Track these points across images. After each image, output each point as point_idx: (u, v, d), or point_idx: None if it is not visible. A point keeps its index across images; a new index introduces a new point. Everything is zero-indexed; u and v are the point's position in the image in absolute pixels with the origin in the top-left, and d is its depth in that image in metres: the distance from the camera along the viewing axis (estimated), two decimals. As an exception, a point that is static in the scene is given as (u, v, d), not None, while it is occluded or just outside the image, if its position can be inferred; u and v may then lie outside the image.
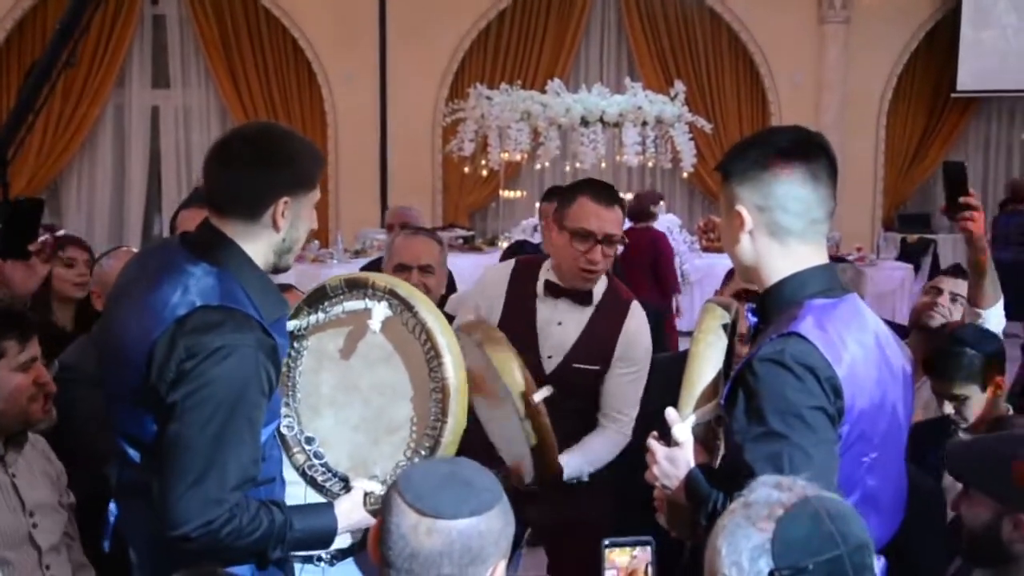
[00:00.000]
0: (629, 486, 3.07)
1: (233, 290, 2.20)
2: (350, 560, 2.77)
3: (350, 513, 2.40)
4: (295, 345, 2.51)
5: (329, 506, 2.40)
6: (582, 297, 3.32)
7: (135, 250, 3.49)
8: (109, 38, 11.25)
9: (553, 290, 3.33)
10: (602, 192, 3.32)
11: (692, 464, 2.20)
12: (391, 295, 2.42)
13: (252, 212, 2.26)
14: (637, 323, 3.36)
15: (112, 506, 2.39)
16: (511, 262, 3.56)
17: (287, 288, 3.59)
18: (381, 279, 2.47)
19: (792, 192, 2.15)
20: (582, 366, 3.25)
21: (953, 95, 12.42)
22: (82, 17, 3.24)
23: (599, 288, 3.36)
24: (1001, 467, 2.31)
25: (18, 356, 2.70)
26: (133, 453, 2.25)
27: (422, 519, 1.71)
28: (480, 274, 3.75)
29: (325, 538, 2.37)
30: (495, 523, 1.74)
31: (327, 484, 2.52)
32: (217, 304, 2.16)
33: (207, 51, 11.51)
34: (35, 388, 2.73)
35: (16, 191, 10.03)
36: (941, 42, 12.41)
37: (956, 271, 3.77)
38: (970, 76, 12.14)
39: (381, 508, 1.79)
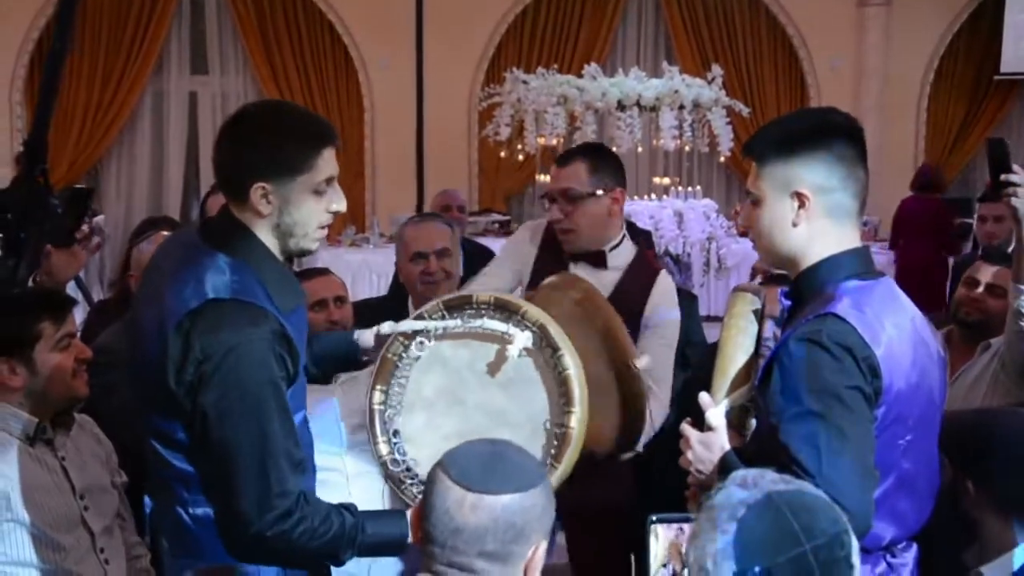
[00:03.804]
0: (651, 468, 3.07)
1: (247, 282, 2.16)
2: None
3: None
4: (418, 340, 2.49)
5: (401, 514, 2.32)
6: (594, 259, 3.37)
7: (165, 234, 3.50)
8: (148, 24, 11.31)
9: (572, 255, 3.40)
10: (560, 157, 3.48)
11: (727, 448, 2.20)
12: (540, 330, 2.42)
13: (237, 197, 2.21)
14: (664, 292, 3.38)
15: (147, 499, 2.40)
16: (542, 224, 3.55)
17: (323, 272, 3.61)
18: (534, 311, 2.46)
19: (854, 172, 2.16)
20: None
21: (996, 78, 12.23)
22: (71, 7, 3.26)
23: (625, 255, 3.40)
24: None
25: (55, 336, 2.73)
26: (162, 449, 2.23)
27: (468, 494, 1.73)
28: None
29: (396, 545, 2.29)
30: (538, 501, 1.77)
31: (407, 482, 2.49)
32: (228, 297, 2.13)
33: (245, 37, 11.55)
34: (76, 364, 2.76)
35: (56, 177, 10.15)
36: (984, 24, 12.21)
37: (995, 256, 3.63)
38: (1014, 58, 11.92)
39: (425, 486, 1.80)
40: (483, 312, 2.45)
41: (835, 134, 2.17)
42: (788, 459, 1.99)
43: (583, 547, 3.46)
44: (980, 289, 3.52)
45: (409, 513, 2.27)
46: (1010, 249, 3.47)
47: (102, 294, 8.93)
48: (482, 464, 1.77)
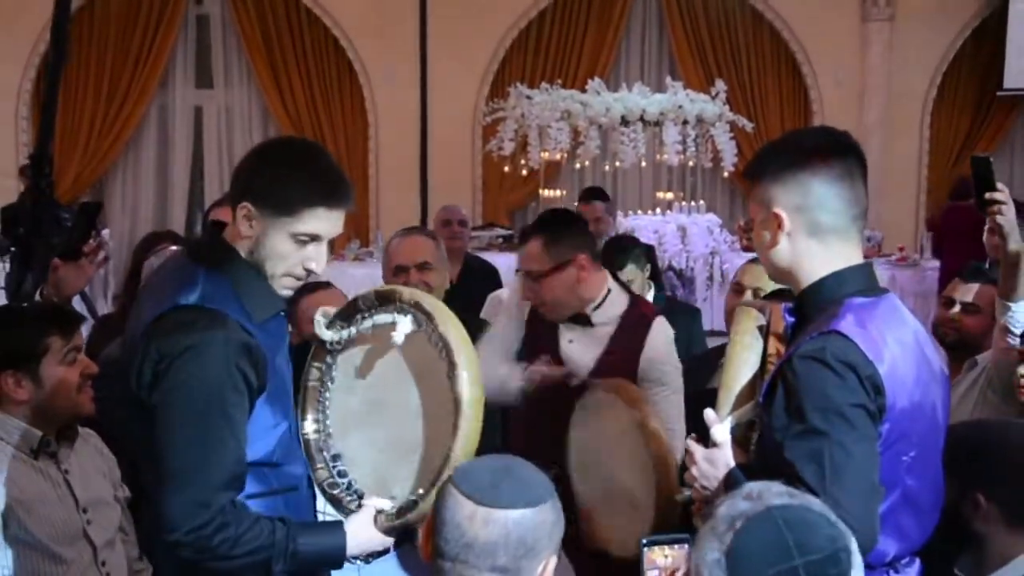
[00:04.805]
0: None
1: (218, 291, 2.20)
2: (388, 557, 2.77)
3: (359, 532, 2.33)
4: (327, 360, 2.46)
5: (338, 524, 2.34)
6: (579, 320, 3.36)
7: (174, 248, 3.52)
8: (154, 38, 11.34)
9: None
10: (520, 235, 3.50)
11: (731, 464, 2.20)
12: (416, 308, 2.34)
13: (233, 207, 2.27)
14: (658, 340, 3.34)
15: None
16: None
17: (325, 285, 3.61)
18: (408, 292, 2.40)
19: (831, 190, 2.15)
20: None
21: (999, 93, 12.25)
22: (64, 18, 3.30)
23: (614, 308, 3.37)
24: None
25: (62, 350, 2.74)
26: (145, 463, 2.26)
27: (478, 509, 1.74)
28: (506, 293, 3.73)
29: (334, 557, 2.32)
30: (548, 516, 1.78)
31: (345, 501, 2.46)
32: (191, 303, 2.17)
33: (249, 51, 11.59)
34: (82, 379, 2.77)
35: (61, 190, 10.17)
36: (987, 40, 12.22)
37: (971, 274, 3.58)
38: (1017, 74, 11.93)
39: (435, 500, 1.81)
40: (371, 311, 2.40)
41: (812, 155, 2.16)
42: (793, 476, 2.00)
43: (592, 566, 3.45)
44: (956, 308, 3.51)
45: (348, 526, 2.31)
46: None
47: (106, 308, 8.95)
48: (492, 478, 1.77)
